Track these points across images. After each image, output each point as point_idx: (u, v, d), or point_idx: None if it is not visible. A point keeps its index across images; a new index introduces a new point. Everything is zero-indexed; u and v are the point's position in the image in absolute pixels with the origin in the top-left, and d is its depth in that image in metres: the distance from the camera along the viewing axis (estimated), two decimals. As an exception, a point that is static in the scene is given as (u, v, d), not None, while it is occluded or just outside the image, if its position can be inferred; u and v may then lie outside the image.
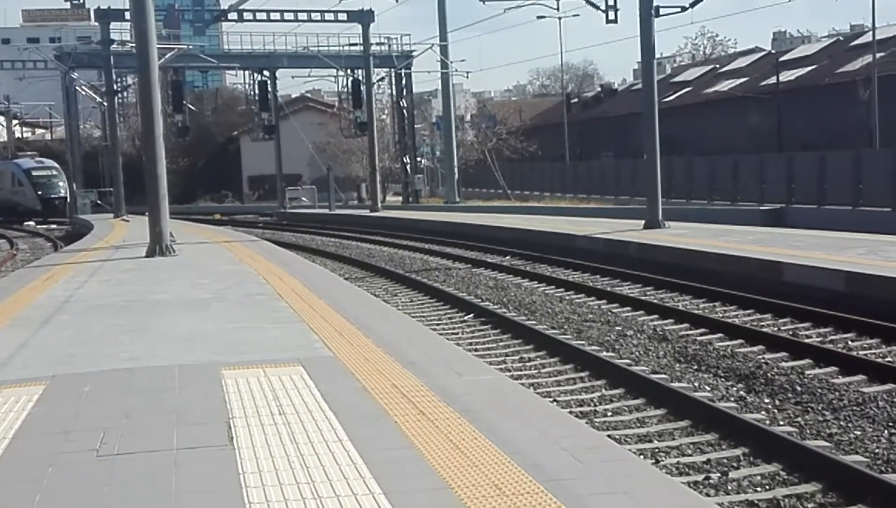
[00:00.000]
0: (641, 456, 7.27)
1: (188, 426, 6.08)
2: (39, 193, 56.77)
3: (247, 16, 47.63)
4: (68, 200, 55.08)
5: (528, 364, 11.20)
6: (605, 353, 11.49)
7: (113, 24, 46.22)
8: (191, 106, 55.81)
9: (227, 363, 8.00)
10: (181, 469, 5.18)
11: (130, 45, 37.06)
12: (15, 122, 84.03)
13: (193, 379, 7.46)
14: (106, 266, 18.10)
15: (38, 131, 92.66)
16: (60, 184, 57.59)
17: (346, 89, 55.07)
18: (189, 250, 20.78)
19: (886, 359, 10.63)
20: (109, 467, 5.28)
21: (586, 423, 7.57)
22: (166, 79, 47.30)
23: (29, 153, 65.21)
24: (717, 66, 68.57)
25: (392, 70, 54.70)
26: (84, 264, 18.65)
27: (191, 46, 49.22)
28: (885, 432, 8.02)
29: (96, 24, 48.31)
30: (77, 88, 49.83)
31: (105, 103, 47.28)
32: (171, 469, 5.18)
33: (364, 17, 47.86)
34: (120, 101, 50.47)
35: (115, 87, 47.08)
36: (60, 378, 7.65)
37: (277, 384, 7.16)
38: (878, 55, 43.65)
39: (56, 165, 59.60)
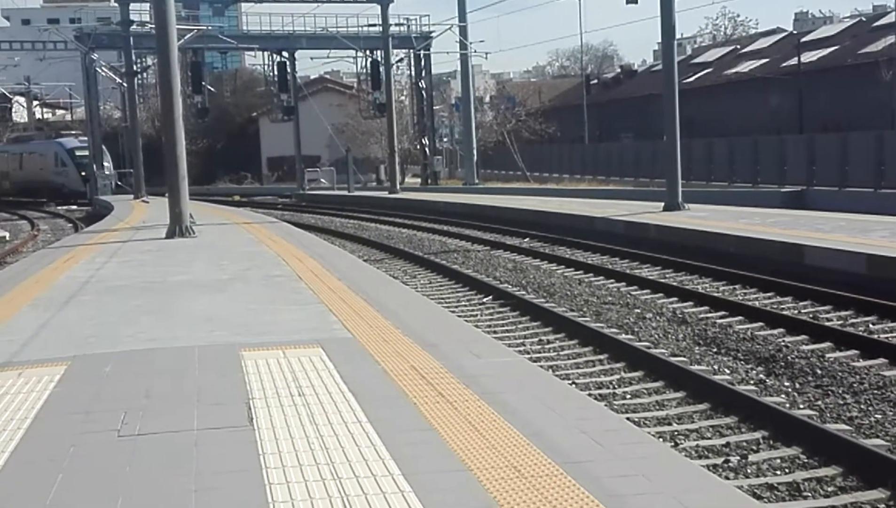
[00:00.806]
0: (661, 439, 7.26)
1: (208, 406, 6.10)
2: (84, 173, 53.94)
3: (266, -4, 47.62)
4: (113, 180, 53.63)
5: (546, 347, 11.19)
6: (624, 335, 11.46)
7: (132, 5, 46.35)
8: (210, 87, 55.89)
9: (246, 344, 8.02)
10: (201, 450, 5.21)
11: (150, 26, 37.14)
12: (35, 102, 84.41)
13: (213, 360, 7.49)
14: (126, 247, 18.17)
15: (59, 112, 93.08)
16: (105, 164, 54.49)
17: (364, 70, 55.01)
18: (208, 232, 20.84)
19: (908, 342, 10.56)
20: (131, 447, 5.31)
21: (605, 406, 7.56)
22: (186, 60, 47.38)
23: (73, 132, 62.61)
24: (738, 46, 68.13)
25: (411, 51, 54.61)
26: (104, 245, 18.73)
27: (210, 27, 49.29)
28: (906, 416, 7.98)
29: (116, 5, 48.32)
30: (97, 69, 49.89)
31: (125, 84, 47.36)
32: (192, 450, 5.21)
33: (383, -2, 47.76)
34: (140, 82, 50.59)
35: (134, 68, 47.19)
36: (81, 359, 7.69)
37: (297, 366, 7.18)
38: (901, 36, 43.24)
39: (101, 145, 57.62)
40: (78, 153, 55.67)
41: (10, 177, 62.99)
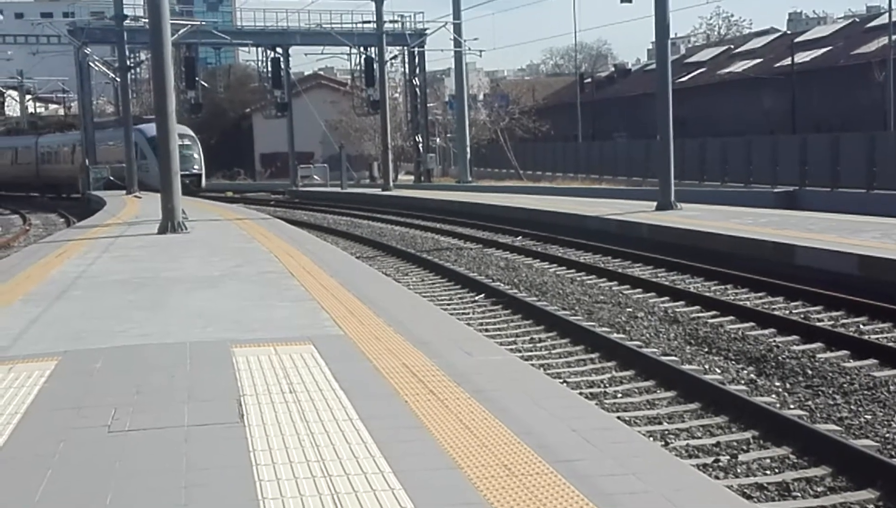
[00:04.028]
0: (651, 438, 7.27)
1: (199, 402, 6.10)
2: None
3: (260, -8, 47.53)
4: (203, 176, 49.40)
5: (538, 345, 11.20)
6: (615, 334, 11.48)
7: (126, 0, 46.21)
8: (203, 83, 55.69)
9: (238, 341, 8.01)
10: (192, 446, 5.20)
11: (144, 20, 37.01)
12: (28, 97, 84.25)
13: (204, 356, 7.48)
14: (118, 242, 18.14)
15: (52, 106, 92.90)
16: (195, 156, 49.30)
17: (358, 67, 55.02)
18: (201, 227, 20.81)
19: (898, 343, 10.59)
20: (121, 443, 5.30)
21: (596, 404, 7.56)
22: (179, 55, 47.27)
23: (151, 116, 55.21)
24: (732, 46, 68.27)
25: (405, 48, 54.58)
26: (96, 240, 18.70)
27: (204, 23, 49.25)
28: (896, 416, 8.00)
29: (110, -1, 48.27)
30: (90, 63, 49.77)
31: (118, 79, 47.24)
32: (182, 446, 5.20)
33: (377, -5, 47.71)
34: (133, 77, 50.48)
35: (128, 62, 47.02)
36: (72, 354, 7.68)
37: (288, 362, 7.18)
38: (893, 37, 43.33)
39: (190, 131, 50.49)
40: None
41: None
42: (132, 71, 49.41)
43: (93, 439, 5.39)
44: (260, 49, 55.68)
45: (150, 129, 42.90)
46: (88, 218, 28.66)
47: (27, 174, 62.03)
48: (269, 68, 55.43)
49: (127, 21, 45.19)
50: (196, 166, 49.14)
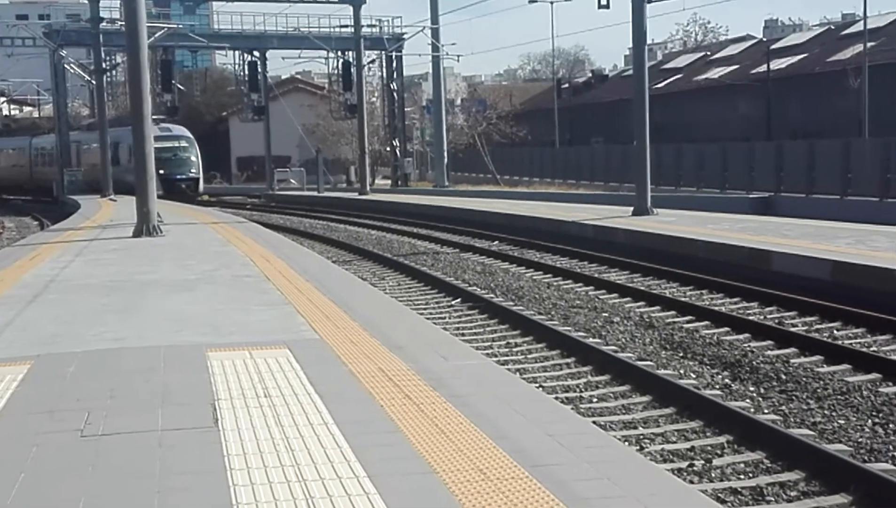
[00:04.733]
0: (626, 443, 7.29)
1: (173, 407, 6.07)
2: (161, 171, 41.11)
3: (238, -5, 47.38)
4: (200, 180, 46.95)
5: (514, 350, 11.21)
6: (591, 339, 11.50)
7: (103, 2, 45.95)
8: (180, 86, 55.44)
9: (213, 345, 7.98)
10: (166, 451, 5.17)
11: (120, 23, 36.88)
12: (2, 99, 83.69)
13: (179, 360, 7.45)
14: (93, 246, 18.03)
15: (26, 109, 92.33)
16: (192, 159, 47.24)
17: (336, 71, 54.88)
18: (176, 231, 20.73)
19: (871, 349, 10.66)
20: (94, 447, 5.27)
21: (572, 409, 7.59)
22: (155, 58, 46.98)
23: (154, 117, 51.02)
24: (709, 53, 68.54)
25: (383, 52, 54.52)
26: (71, 244, 18.59)
27: (181, 25, 49.03)
28: (869, 421, 8.05)
29: (86, 1, 47.94)
30: (66, 66, 49.44)
31: (94, 82, 46.96)
32: (156, 450, 5.18)
33: (355, -1, 47.68)
34: (109, 79, 50.10)
35: (103, 65, 46.77)
36: (45, 358, 7.63)
37: (263, 367, 7.15)
38: (868, 44, 43.70)
39: (187, 133, 49.20)
40: (157, 145, 43.95)
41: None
42: (108, 74, 49.10)
43: (66, 443, 5.36)
44: (237, 52, 55.49)
45: None
46: (63, 221, 28.48)
47: (20, 177, 59.44)
48: (246, 72, 55.25)
49: (103, 24, 45.00)
50: (193, 170, 47.77)
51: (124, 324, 9.18)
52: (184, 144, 47.98)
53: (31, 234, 28.12)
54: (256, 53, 54.42)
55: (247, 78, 55.32)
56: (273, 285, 11.71)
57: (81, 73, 51.36)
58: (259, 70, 54.80)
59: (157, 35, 37.24)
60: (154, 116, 50.04)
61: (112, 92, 52.79)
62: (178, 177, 46.13)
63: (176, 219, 24.53)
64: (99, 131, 43.95)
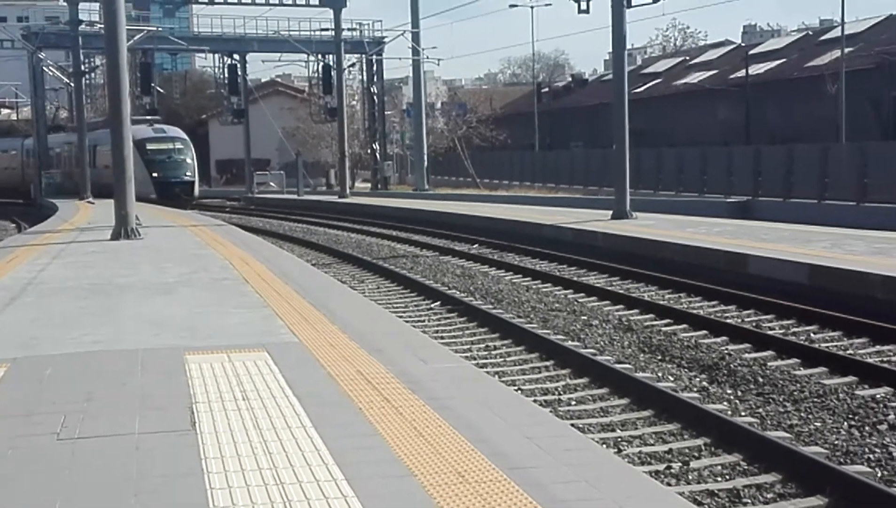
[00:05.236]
0: (604, 445, 7.32)
1: (151, 410, 6.04)
2: (155, 174, 43.47)
3: (218, -2, 47.26)
4: (196, 184, 45.68)
5: (493, 353, 11.22)
6: (570, 342, 11.52)
7: (81, 5, 45.71)
8: (159, 89, 55.24)
9: (191, 348, 7.96)
10: (143, 454, 5.15)
11: (99, 25, 36.69)
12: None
13: (157, 363, 7.42)
14: (70, 248, 17.94)
15: (4, 111, 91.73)
16: (187, 162, 45.79)
17: (316, 75, 54.86)
18: (155, 234, 20.64)
19: (847, 352, 10.73)
20: (70, 450, 5.24)
21: (550, 412, 7.60)
22: (135, 61, 46.77)
23: (148, 118, 47.95)
24: (688, 58, 68.87)
25: (363, 56, 54.51)
26: (48, 246, 18.48)
27: (160, 28, 48.78)
28: (845, 424, 8.10)
29: (65, 4, 47.71)
30: (44, 68, 49.20)
31: (72, 84, 46.74)
32: (133, 454, 5.16)
33: (336, 2, 47.58)
34: (88, 82, 49.91)
35: (82, 68, 46.59)
36: (22, 361, 7.58)
37: (242, 370, 7.14)
38: (846, 50, 44.02)
39: (182, 134, 48.05)
40: (151, 147, 44.41)
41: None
42: (87, 76, 48.90)
43: (42, 446, 5.33)
44: (217, 55, 55.36)
45: (139, 131, 41.54)
46: (40, 224, 28.32)
47: (13, 179, 57.39)
48: (226, 75, 55.12)
49: (82, 26, 44.80)
50: (189, 173, 46.31)
51: (102, 327, 9.14)
52: (179, 145, 47.00)
53: (8, 236, 27.95)
54: (236, 56, 54.33)
55: (226, 81, 55.19)
56: (252, 288, 11.69)
57: (60, 75, 51.09)
58: (239, 73, 54.70)
59: (136, 38, 37.10)
60: (147, 117, 49.73)
61: (91, 94, 52.57)
62: (173, 180, 44.95)
63: (154, 222, 24.44)
64: (77, 134, 43.71)
